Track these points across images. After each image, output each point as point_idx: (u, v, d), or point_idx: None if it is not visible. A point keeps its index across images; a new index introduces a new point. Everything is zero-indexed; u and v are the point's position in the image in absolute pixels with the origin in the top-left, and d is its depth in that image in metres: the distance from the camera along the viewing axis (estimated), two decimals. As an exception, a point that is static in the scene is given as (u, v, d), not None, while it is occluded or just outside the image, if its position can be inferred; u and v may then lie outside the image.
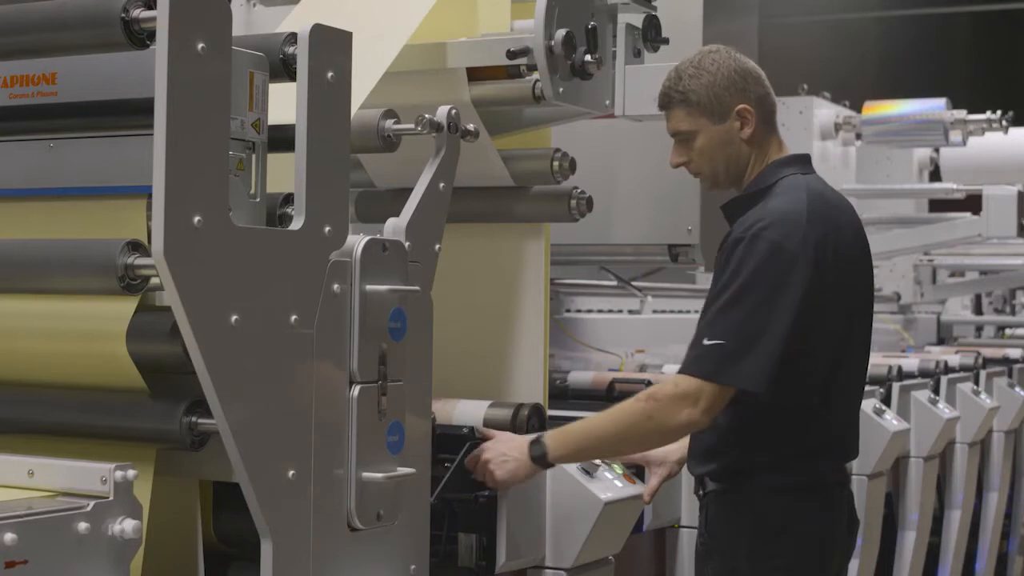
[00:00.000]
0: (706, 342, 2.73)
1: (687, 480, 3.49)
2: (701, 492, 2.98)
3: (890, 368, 5.05)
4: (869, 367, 4.98)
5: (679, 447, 3.04)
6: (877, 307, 7.74)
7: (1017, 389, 6.32)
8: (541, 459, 2.74)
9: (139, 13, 1.95)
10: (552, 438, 2.75)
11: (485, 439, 2.77)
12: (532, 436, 2.77)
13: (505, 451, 2.73)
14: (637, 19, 3.26)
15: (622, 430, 2.77)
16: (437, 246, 2.35)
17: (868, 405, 4.51)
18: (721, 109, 2.89)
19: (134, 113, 2.04)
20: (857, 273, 2.92)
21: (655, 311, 5.20)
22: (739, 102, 2.89)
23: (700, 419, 2.74)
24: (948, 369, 5.70)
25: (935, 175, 7.98)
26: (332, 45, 2.09)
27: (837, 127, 6.58)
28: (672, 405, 2.72)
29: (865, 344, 2.99)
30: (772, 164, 2.93)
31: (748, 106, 2.89)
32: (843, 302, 2.84)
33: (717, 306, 2.75)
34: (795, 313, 2.71)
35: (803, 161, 2.99)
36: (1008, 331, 9.18)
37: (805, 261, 2.74)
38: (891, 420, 4.64)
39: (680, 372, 2.77)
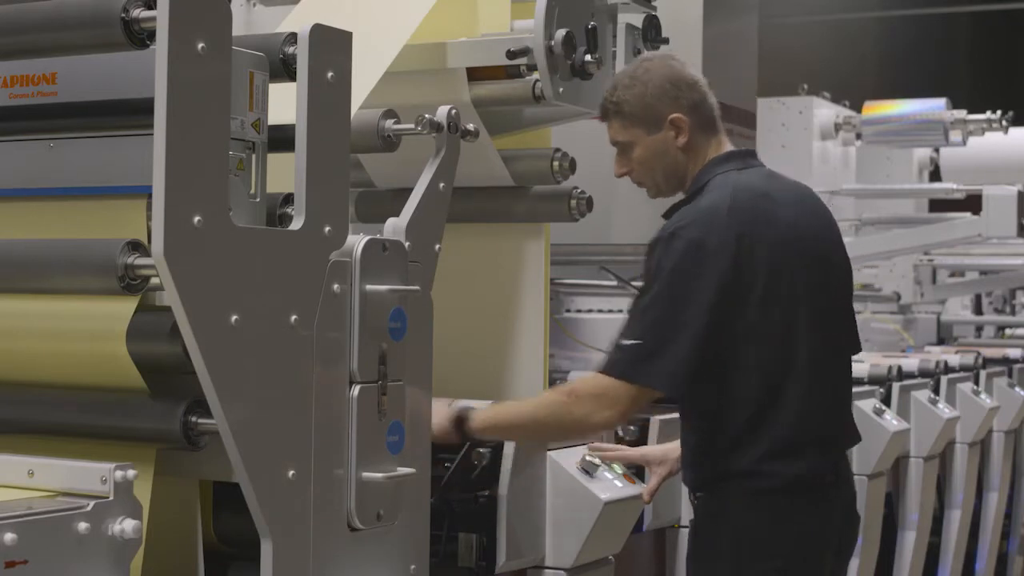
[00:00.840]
0: (624, 342, 2.75)
1: (687, 480, 3.49)
2: (693, 499, 2.98)
3: (890, 368, 5.05)
4: (869, 367, 5.02)
5: (679, 446, 3.03)
6: (877, 307, 7.70)
7: (1017, 389, 6.32)
8: (459, 424, 2.76)
9: (139, 13, 1.95)
10: (479, 411, 2.79)
11: None
12: (467, 404, 2.81)
13: (436, 406, 2.66)
14: (637, 19, 3.26)
15: (542, 420, 2.81)
16: (437, 246, 2.35)
17: (868, 405, 4.51)
18: (654, 119, 2.89)
19: (134, 113, 2.04)
20: (798, 262, 2.82)
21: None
22: (671, 111, 2.88)
23: (616, 419, 2.77)
24: (948, 369, 5.70)
25: (935, 175, 7.98)
26: (332, 45, 2.09)
27: (837, 127, 6.59)
28: (589, 403, 2.75)
29: (825, 335, 2.87)
30: (706, 165, 2.91)
31: (680, 115, 2.88)
32: (777, 293, 2.78)
33: (637, 307, 2.78)
34: (711, 310, 2.71)
35: (741, 156, 2.95)
36: (1008, 331, 9.17)
37: (723, 256, 2.73)
38: (891, 420, 4.63)
39: (598, 371, 2.78)
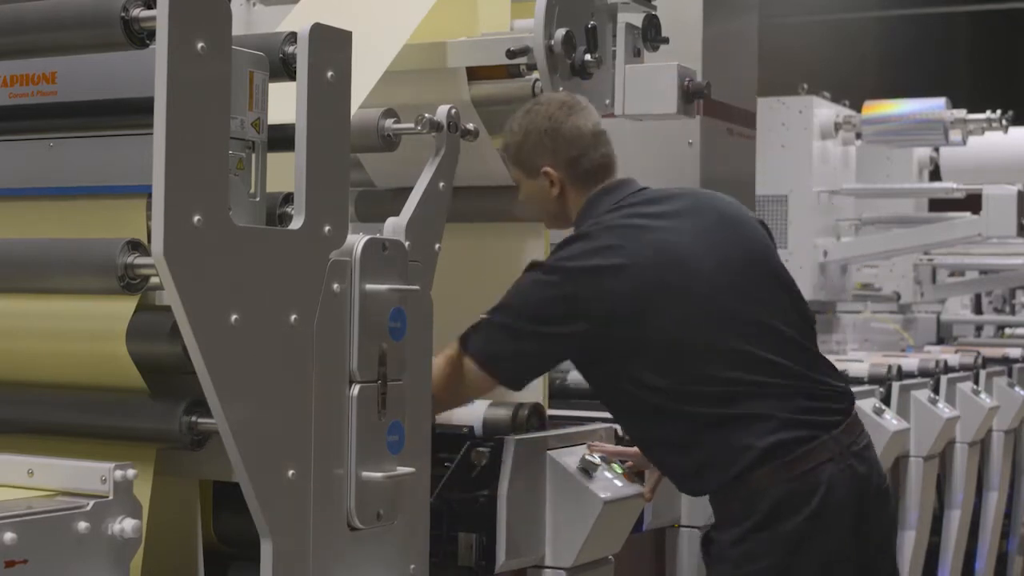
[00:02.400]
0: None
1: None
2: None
3: (890, 368, 5.05)
4: (869, 367, 5.02)
5: None
6: (877, 306, 7.69)
7: (1017, 389, 6.32)
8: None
9: (139, 12, 1.95)
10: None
11: None
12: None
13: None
14: (637, 19, 3.26)
15: None
16: (437, 245, 2.35)
17: (868, 405, 4.51)
18: (530, 166, 2.92)
19: (134, 113, 2.04)
20: (678, 279, 2.78)
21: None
22: (544, 164, 2.90)
23: (455, 383, 2.72)
24: (948, 369, 5.70)
25: (935, 175, 7.98)
26: (332, 44, 2.09)
27: (837, 127, 6.58)
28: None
29: (739, 335, 2.79)
30: (585, 206, 2.90)
31: (551, 169, 2.90)
32: (664, 314, 2.75)
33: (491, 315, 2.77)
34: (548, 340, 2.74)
35: (609, 193, 2.91)
36: (1008, 331, 9.17)
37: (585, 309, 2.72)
38: (891, 420, 4.63)
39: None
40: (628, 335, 2.76)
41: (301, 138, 2.04)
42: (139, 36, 1.97)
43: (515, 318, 2.75)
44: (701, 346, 2.78)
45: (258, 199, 2.08)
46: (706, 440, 2.78)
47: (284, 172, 2.10)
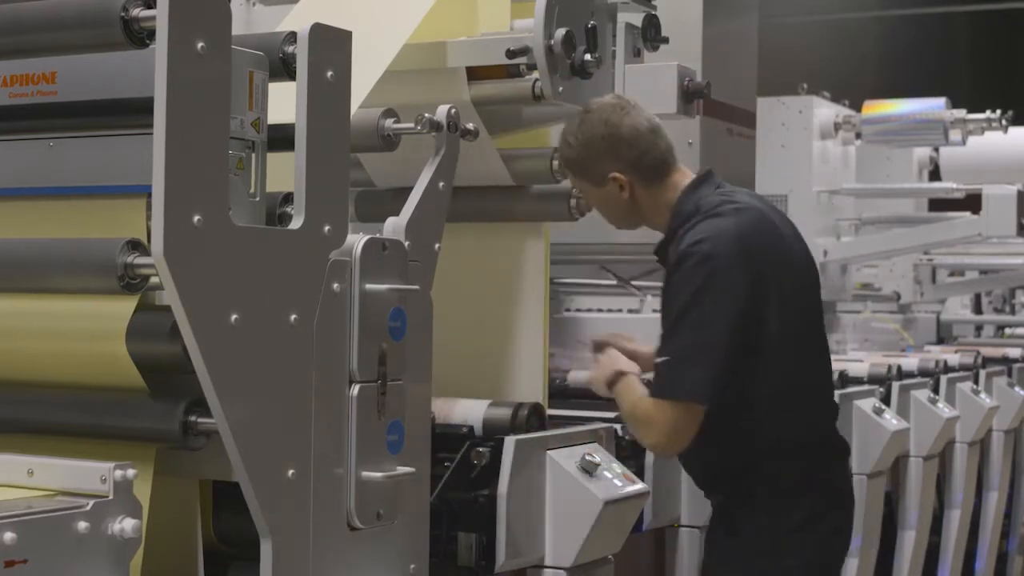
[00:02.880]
0: (657, 360, 2.90)
1: (687, 480, 3.49)
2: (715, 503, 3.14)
3: (890, 367, 5.05)
4: (869, 366, 5.03)
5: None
6: (877, 306, 7.71)
7: (1017, 388, 6.32)
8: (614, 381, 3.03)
9: (139, 12, 1.95)
10: (627, 379, 3.01)
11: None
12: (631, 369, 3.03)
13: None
14: (637, 18, 3.26)
15: (627, 419, 3.04)
16: (437, 245, 2.35)
17: (868, 405, 4.51)
18: (596, 175, 2.99)
19: (134, 112, 2.04)
20: (795, 273, 3.02)
21: (655, 310, 5.18)
22: (610, 169, 2.98)
23: (664, 442, 2.93)
24: (948, 368, 5.70)
25: (935, 175, 7.98)
26: (332, 44, 2.08)
27: (837, 126, 6.58)
28: (641, 429, 2.95)
29: (816, 339, 3.09)
30: (683, 195, 3.01)
31: (619, 173, 2.98)
32: (785, 304, 2.94)
33: (665, 327, 2.92)
34: (733, 321, 2.84)
35: (707, 181, 3.05)
36: (1008, 330, 9.17)
37: (737, 272, 2.86)
38: (891, 419, 4.63)
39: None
40: None
41: (301, 138, 2.04)
42: (139, 36, 1.97)
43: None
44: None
45: (258, 199, 2.08)
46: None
47: (284, 172, 2.10)
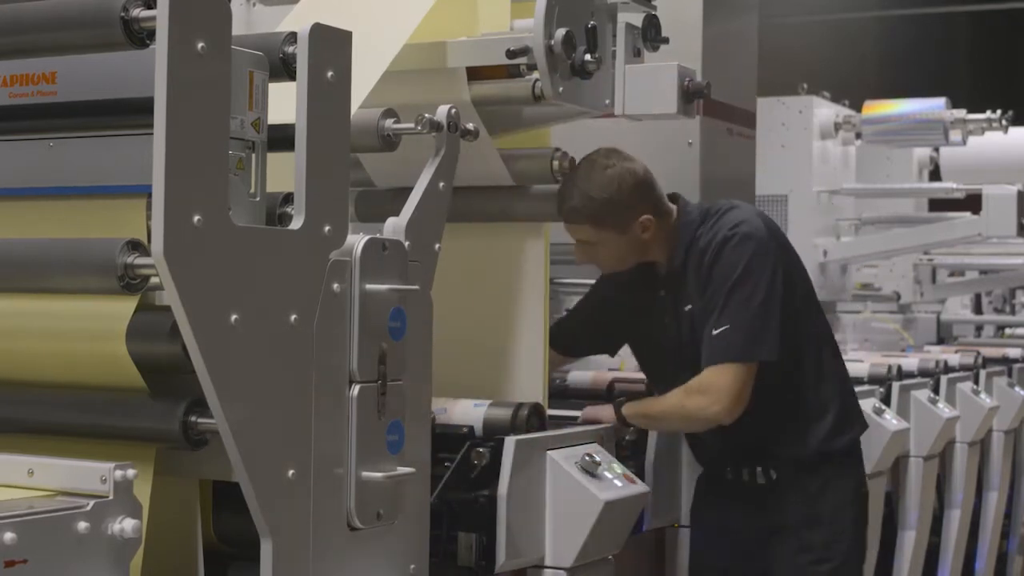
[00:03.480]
0: (713, 332, 3.10)
1: (687, 480, 3.50)
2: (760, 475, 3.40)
3: (890, 367, 5.04)
4: (869, 366, 5.03)
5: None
6: (877, 306, 7.71)
7: (1017, 389, 6.31)
8: (619, 411, 3.20)
9: (139, 12, 1.95)
10: (631, 404, 3.23)
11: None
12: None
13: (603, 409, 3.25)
14: (637, 18, 3.25)
15: (668, 413, 3.21)
16: (437, 245, 2.35)
17: (868, 404, 4.51)
18: (623, 223, 3.15)
19: (134, 112, 2.04)
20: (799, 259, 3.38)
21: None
22: (641, 214, 3.17)
23: (727, 408, 3.09)
24: (948, 368, 5.69)
25: (935, 175, 7.98)
26: (332, 44, 2.09)
27: (837, 127, 6.58)
28: (699, 398, 3.12)
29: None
30: (681, 213, 3.27)
31: (650, 216, 3.18)
32: (807, 285, 3.35)
33: (717, 302, 3.13)
34: (783, 285, 3.16)
35: (683, 198, 3.33)
36: (1008, 331, 9.17)
37: (774, 247, 3.20)
38: (891, 419, 4.63)
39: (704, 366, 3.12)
40: None
41: (301, 138, 2.04)
42: (139, 36, 1.97)
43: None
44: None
45: (258, 199, 2.08)
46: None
47: (284, 172, 2.10)
